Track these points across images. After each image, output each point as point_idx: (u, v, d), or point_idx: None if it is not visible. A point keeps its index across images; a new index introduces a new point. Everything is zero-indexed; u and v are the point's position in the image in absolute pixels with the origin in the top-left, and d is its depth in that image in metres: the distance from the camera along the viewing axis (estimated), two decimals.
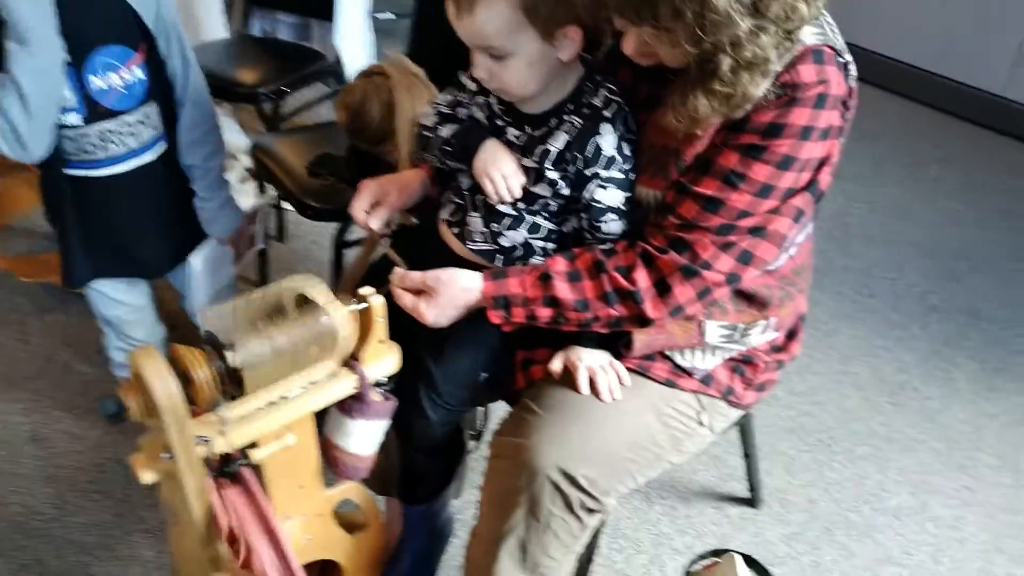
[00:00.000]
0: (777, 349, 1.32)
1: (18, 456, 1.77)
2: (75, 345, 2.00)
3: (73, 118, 1.27)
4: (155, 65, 1.33)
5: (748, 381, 1.29)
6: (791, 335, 1.34)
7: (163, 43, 1.34)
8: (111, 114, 1.29)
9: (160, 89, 1.36)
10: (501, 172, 1.13)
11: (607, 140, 1.10)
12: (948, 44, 3.43)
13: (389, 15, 3.77)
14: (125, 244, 1.44)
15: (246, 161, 2.75)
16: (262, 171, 2.05)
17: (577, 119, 1.11)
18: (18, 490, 1.70)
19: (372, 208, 1.27)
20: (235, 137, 2.85)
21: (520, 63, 1.06)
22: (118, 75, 1.27)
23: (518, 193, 1.13)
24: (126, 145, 1.33)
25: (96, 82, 1.26)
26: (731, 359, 1.27)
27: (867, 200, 2.92)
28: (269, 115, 2.58)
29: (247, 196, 2.65)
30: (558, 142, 1.11)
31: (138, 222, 1.43)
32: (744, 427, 1.60)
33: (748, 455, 1.66)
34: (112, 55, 1.26)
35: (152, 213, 1.44)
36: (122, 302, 1.54)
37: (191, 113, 1.43)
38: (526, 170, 1.14)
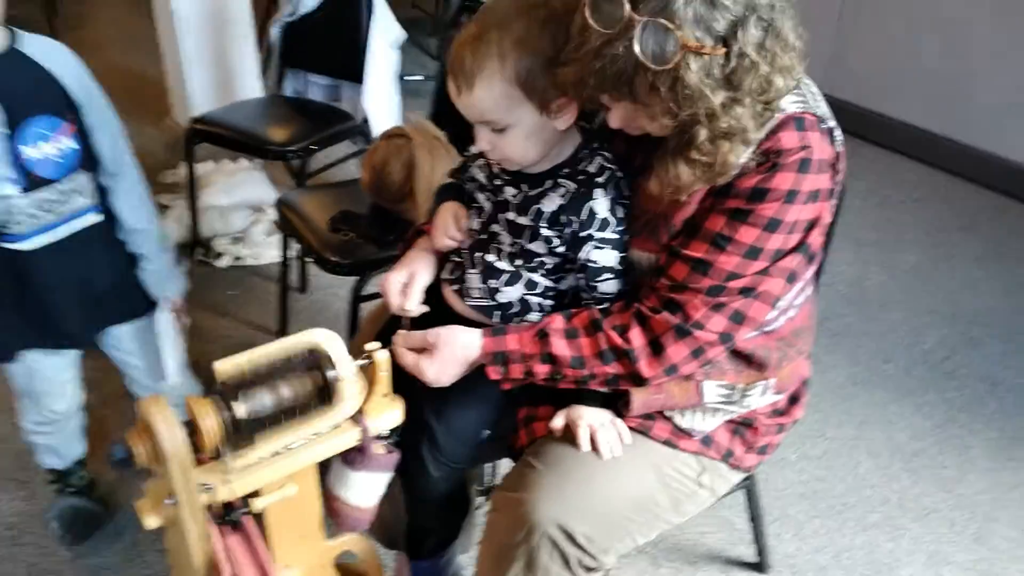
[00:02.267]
0: (779, 412, 1.32)
1: (35, 497, 1.81)
2: None
3: (10, 189, 1.29)
4: (84, 136, 1.37)
5: (749, 444, 1.29)
6: (794, 399, 1.34)
7: (88, 114, 1.37)
8: (46, 182, 1.32)
9: (91, 159, 1.39)
10: (442, 225, 1.26)
11: (600, 204, 1.14)
12: (971, 112, 3.45)
13: (418, 77, 3.90)
14: (57, 314, 1.43)
15: (272, 215, 2.84)
16: (287, 225, 2.12)
17: (571, 183, 1.15)
18: (33, 531, 1.73)
19: (404, 291, 1.28)
20: (264, 191, 2.95)
21: (519, 134, 1.11)
22: (50, 144, 1.31)
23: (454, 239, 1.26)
24: (58, 213, 1.35)
25: (29, 152, 1.29)
26: (731, 421, 1.28)
27: (886, 265, 2.92)
28: (297, 171, 2.66)
29: (271, 248, 2.73)
30: (552, 204, 1.16)
31: (71, 291, 1.43)
32: (750, 490, 1.60)
33: (755, 518, 1.65)
34: (42, 125, 1.30)
35: (85, 282, 1.44)
36: (46, 376, 1.52)
37: (126, 179, 1.46)
38: (521, 228, 1.18)
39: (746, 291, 1.09)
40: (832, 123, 1.09)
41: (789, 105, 1.04)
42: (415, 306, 1.26)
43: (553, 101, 1.08)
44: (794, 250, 1.09)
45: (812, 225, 1.09)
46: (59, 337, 1.48)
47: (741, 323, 1.11)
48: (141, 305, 1.55)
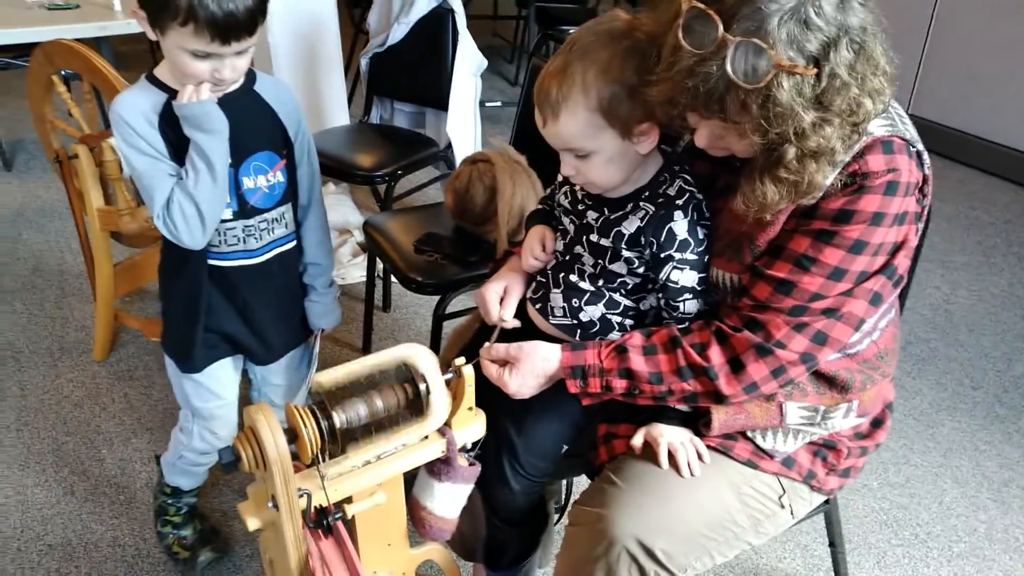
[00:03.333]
0: (861, 436, 1.31)
1: (135, 501, 1.92)
2: None
3: (226, 213, 1.40)
4: (292, 171, 1.48)
5: (831, 466, 1.29)
6: (877, 423, 1.33)
7: (298, 152, 1.49)
8: (256, 212, 1.43)
9: (294, 193, 1.50)
10: (529, 246, 1.34)
11: (680, 225, 1.17)
12: None
13: (496, 103, 3.98)
14: (247, 328, 1.53)
15: (359, 237, 2.94)
16: (373, 246, 2.20)
17: (650, 206, 1.19)
18: (132, 533, 1.84)
19: (500, 303, 1.35)
20: (351, 214, 3.06)
21: (602, 160, 1.15)
22: (265, 177, 1.42)
23: (538, 259, 1.33)
24: (262, 240, 1.46)
25: (247, 183, 1.40)
26: (813, 443, 1.28)
27: (975, 288, 2.84)
28: (383, 195, 2.76)
29: (358, 269, 2.83)
30: (631, 226, 1.19)
31: (262, 309, 1.52)
32: (829, 515, 1.58)
33: (834, 545, 1.62)
34: (263, 160, 1.42)
35: (275, 302, 1.54)
36: (218, 395, 1.59)
37: (317, 215, 1.57)
38: (603, 249, 1.22)
39: (829, 312, 1.10)
40: (920, 146, 1.09)
41: (877, 128, 1.05)
42: (510, 316, 1.32)
43: (635, 127, 1.11)
44: (879, 272, 1.09)
45: (898, 248, 1.09)
46: (246, 349, 1.57)
47: (823, 344, 1.12)
48: (304, 332, 1.66)
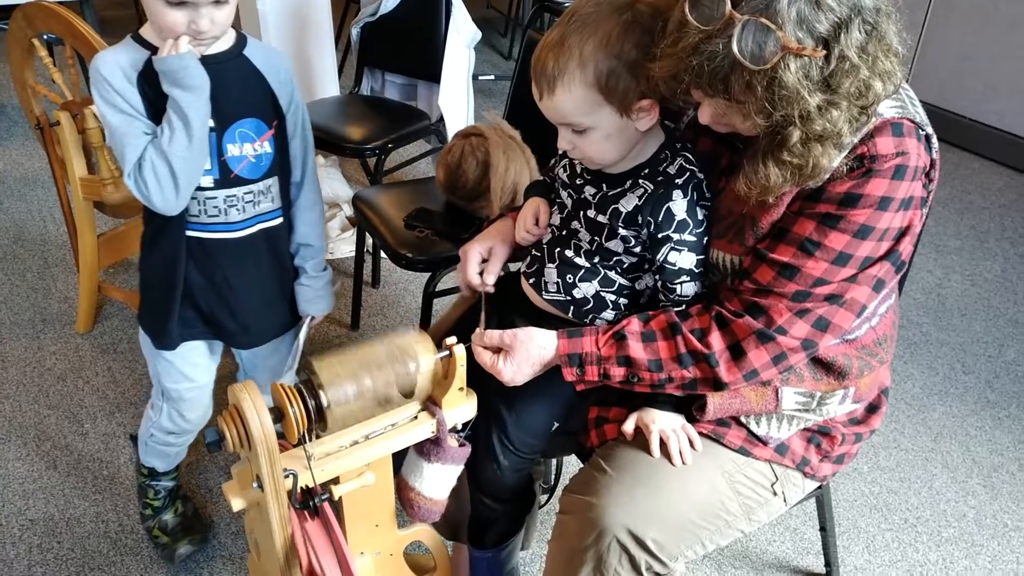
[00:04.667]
0: (856, 422, 1.30)
1: (119, 476, 1.89)
2: None
3: (207, 180, 1.35)
4: (281, 143, 1.42)
5: (825, 453, 1.27)
6: (872, 408, 1.32)
7: (291, 124, 1.43)
8: (239, 181, 1.38)
9: (283, 166, 1.44)
10: (523, 218, 1.32)
11: (678, 205, 1.14)
12: None
13: (490, 76, 3.93)
14: (226, 308, 1.47)
15: (348, 211, 2.90)
16: (362, 221, 2.17)
17: (649, 184, 1.16)
18: (116, 508, 1.81)
19: (482, 267, 1.33)
20: (340, 188, 3.01)
21: (599, 136, 1.12)
22: (252, 146, 1.37)
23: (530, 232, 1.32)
24: (245, 213, 1.40)
25: (232, 150, 1.35)
26: (807, 429, 1.26)
27: (967, 273, 2.83)
28: (373, 168, 2.72)
29: (346, 244, 2.79)
30: (629, 204, 1.16)
31: (244, 289, 1.46)
32: (821, 500, 1.57)
33: (825, 529, 1.62)
34: (250, 127, 1.36)
35: (258, 283, 1.48)
36: (190, 377, 1.53)
37: (309, 193, 1.51)
38: (600, 226, 1.20)
39: (832, 298, 1.08)
40: (929, 130, 1.07)
41: (887, 110, 1.02)
42: (492, 281, 1.31)
43: (634, 104, 1.08)
44: (883, 258, 1.07)
45: (903, 233, 1.07)
46: (223, 331, 1.51)
47: (825, 330, 1.09)
48: (292, 318, 1.59)
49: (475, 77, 2.99)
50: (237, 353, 1.63)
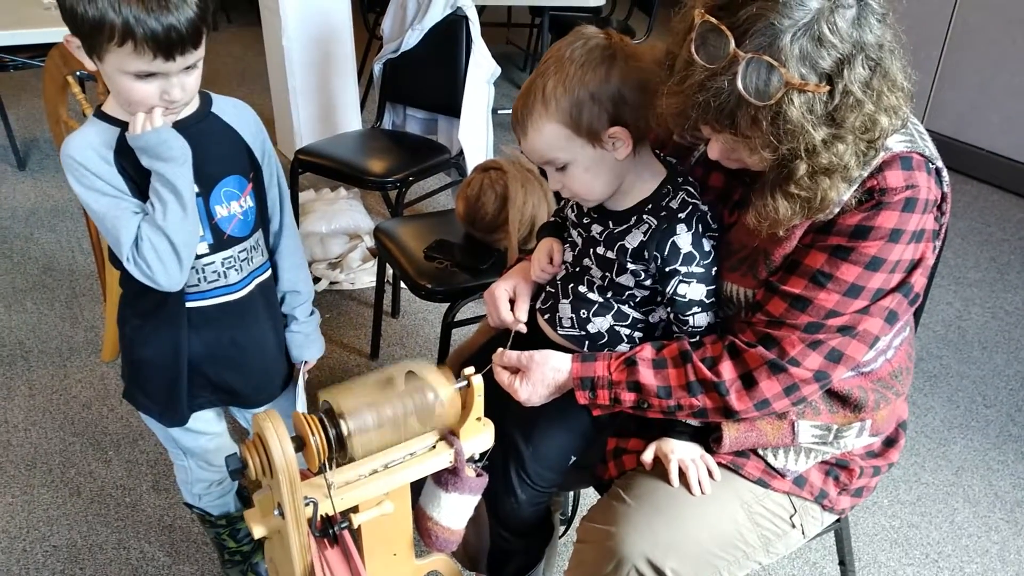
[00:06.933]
0: (873, 455, 1.30)
1: (141, 504, 1.92)
2: None
3: (202, 247, 1.30)
4: (260, 194, 1.39)
5: (843, 486, 1.27)
6: (890, 442, 1.32)
7: (267, 174, 1.40)
8: (233, 241, 1.34)
9: (263, 217, 1.41)
10: (537, 258, 1.34)
11: (683, 239, 1.16)
12: None
13: (509, 111, 3.98)
14: (236, 371, 1.43)
15: (369, 242, 2.94)
16: (383, 251, 2.20)
17: (653, 219, 1.18)
18: (137, 536, 1.83)
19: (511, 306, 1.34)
20: (361, 219, 3.06)
21: (579, 170, 1.15)
22: (237, 203, 1.33)
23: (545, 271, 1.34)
24: (243, 272, 1.37)
25: (220, 211, 1.31)
26: (825, 462, 1.27)
27: (988, 305, 2.81)
28: (394, 201, 2.76)
29: (367, 274, 2.83)
30: (634, 240, 1.19)
31: (252, 347, 1.43)
32: (840, 534, 1.56)
33: (844, 563, 1.61)
34: (233, 184, 1.33)
35: (261, 339, 1.45)
36: (208, 433, 1.49)
37: (289, 240, 1.47)
38: (609, 262, 1.22)
39: (844, 329, 1.08)
40: (939, 164, 1.08)
41: (895, 144, 1.04)
42: (524, 317, 1.32)
43: (603, 132, 1.11)
44: (895, 290, 1.08)
45: (915, 265, 1.08)
46: (236, 397, 1.46)
47: (838, 362, 1.10)
48: (288, 371, 1.54)
49: (495, 111, 3.04)
50: (239, 414, 1.58)
